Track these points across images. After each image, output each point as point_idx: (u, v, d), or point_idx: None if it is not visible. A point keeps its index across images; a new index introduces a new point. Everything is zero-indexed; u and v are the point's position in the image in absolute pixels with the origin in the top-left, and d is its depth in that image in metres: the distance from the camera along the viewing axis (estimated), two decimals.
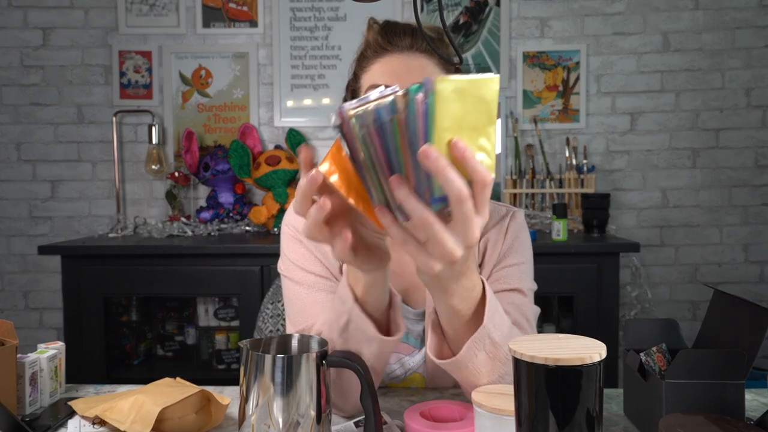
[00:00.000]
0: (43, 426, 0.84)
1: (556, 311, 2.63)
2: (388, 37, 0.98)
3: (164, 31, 2.76)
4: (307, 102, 2.74)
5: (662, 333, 0.89)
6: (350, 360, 0.69)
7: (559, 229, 2.29)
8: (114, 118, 2.72)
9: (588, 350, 0.53)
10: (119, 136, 2.77)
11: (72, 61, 2.77)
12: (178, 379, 0.93)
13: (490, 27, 2.74)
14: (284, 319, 1.34)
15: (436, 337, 0.78)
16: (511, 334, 0.78)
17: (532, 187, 2.69)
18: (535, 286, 1.04)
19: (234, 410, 0.89)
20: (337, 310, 0.78)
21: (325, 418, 0.68)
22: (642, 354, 0.83)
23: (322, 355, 0.69)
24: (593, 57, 2.74)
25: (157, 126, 2.68)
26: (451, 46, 0.99)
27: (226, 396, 0.88)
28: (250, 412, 0.66)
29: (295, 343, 0.75)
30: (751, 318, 0.77)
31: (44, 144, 2.80)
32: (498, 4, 2.73)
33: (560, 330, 2.53)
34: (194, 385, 0.88)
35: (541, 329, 2.55)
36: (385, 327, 0.79)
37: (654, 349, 0.85)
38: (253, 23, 2.74)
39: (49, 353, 0.96)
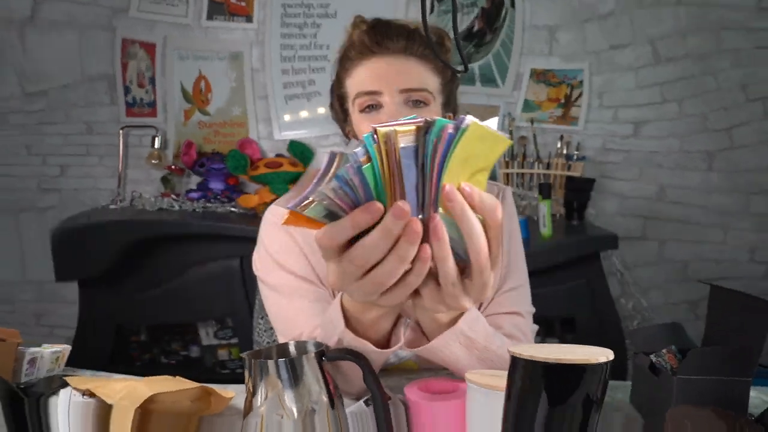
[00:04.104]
0: (36, 393, 0.81)
1: (558, 330, 2.62)
2: (377, 38, 0.91)
3: (172, 20, 2.73)
4: (304, 114, 2.74)
5: (670, 337, 0.89)
6: (347, 353, 0.71)
7: (544, 214, 2.34)
8: (121, 132, 2.76)
9: (594, 354, 0.53)
10: (125, 142, 2.80)
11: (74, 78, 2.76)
12: (177, 377, 0.87)
13: (503, 39, 2.71)
14: None
15: (414, 334, 0.77)
16: (494, 336, 0.77)
17: (522, 167, 2.73)
18: (533, 309, 1.04)
19: (237, 402, 0.85)
20: (327, 332, 0.74)
21: (338, 402, 0.70)
22: (653, 355, 0.83)
23: (321, 354, 0.70)
24: (595, 76, 2.74)
25: (160, 136, 2.74)
26: (456, 52, 0.93)
27: (230, 391, 0.85)
28: (259, 404, 0.66)
29: (292, 349, 0.75)
30: (753, 312, 0.78)
31: (55, 146, 2.84)
32: (513, 5, 2.70)
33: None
34: (194, 383, 0.83)
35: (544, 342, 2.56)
36: (385, 340, 0.76)
37: (664, 350, 0.85)
38: (249, 18, 2.72)
39: (53, 349, 0.94)
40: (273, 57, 2.72)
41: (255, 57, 2.75)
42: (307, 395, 0.67)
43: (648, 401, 0.84)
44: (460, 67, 0.87)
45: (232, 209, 2.60)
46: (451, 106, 1.02)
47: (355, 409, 0.73)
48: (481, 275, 0.54)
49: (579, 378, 0.51)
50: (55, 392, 0.81)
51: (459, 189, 0.53)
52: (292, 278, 0.91)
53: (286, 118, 2.74)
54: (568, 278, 2.27)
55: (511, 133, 2.73)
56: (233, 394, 0.84)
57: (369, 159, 0.50)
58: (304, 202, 0.50)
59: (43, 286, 2.80)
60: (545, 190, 2.40)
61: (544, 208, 2.36)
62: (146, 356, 2.71)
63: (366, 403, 0.74)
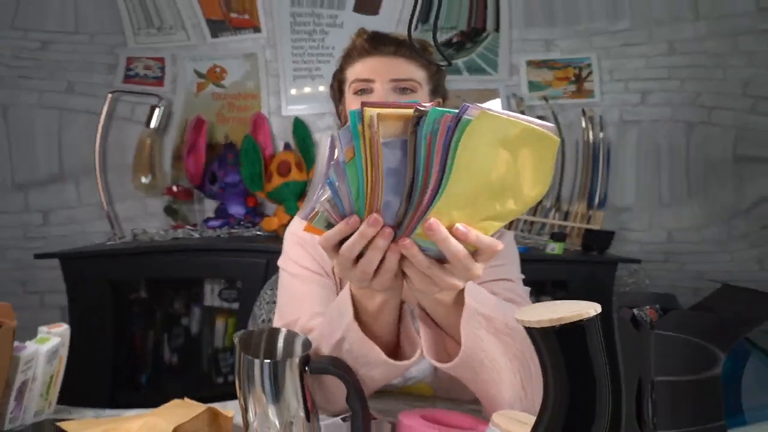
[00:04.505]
0: None
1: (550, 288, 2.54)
2: (374, 43, 1.06)
3: (176, 44, 2.71)
4: (307, 90, 2.82)
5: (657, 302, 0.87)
6: (333, 366, 0.73)
7: (554, 248, 2.25)
8: (110, 96, 2.49)
9: (585, 307, 0.54)
10: (110, 112, 2.53)
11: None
12: (186, 399, 0.91)
13: (487, 45, 2.70)
14: None
15: (430, 330, 0.76)
16: (498, 303, 0.77)
17: (535, 214, 2.48)
18: (522, 276, 1.07)
19: (238, 419, 0.87)
20: (331, 324, 0.77)
21: (314, 417, 0.73)
22: (635, 309, 0.81)
23: (305, 361, 0.73)
24: (604, 61, 2.67)
25: (161, 109, 2.46)
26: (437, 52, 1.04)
27: (230, 409, 0.87)
28: (252, 420, 0.72)
29: (281, 342, 0.79)
30: (756, 303, 0.74)
31: (28, 107, 2.59)
32: (497, 29, 2.70)
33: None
34: (201, 404, 0.87)
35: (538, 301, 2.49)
36: (394, 344, 0.77)
37: (647, 306, 0.83)
38: (257, 29, 2.77)
39: (50, 345, 0.88)
40: (285, 54, 2.81)
41: (268, 54, 2.80)
42: (286, 410, 0.71)
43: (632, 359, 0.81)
44: (443, 63, 1.03)
45: (258, 233, 2.60)
46: (439, 93, 1.13)
47: (330, 423, 0.74)
48: (462, 266, 0.61)
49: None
50: None
51: (452, 230, 0.58)
52: (307, 271, 1.05)
53: (293, 92, 2.82)
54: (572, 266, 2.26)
55: (523, 113, 2.40)
56: (233, 412, 0.86)
57: (353, 151, 0.56)
58: (311, 214, 0.62)
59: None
60: (558, 237, 2.26)
61: (555, 246, 2.24)
62: (150, 334, 2.64)
63: (343, 419, 0.74)
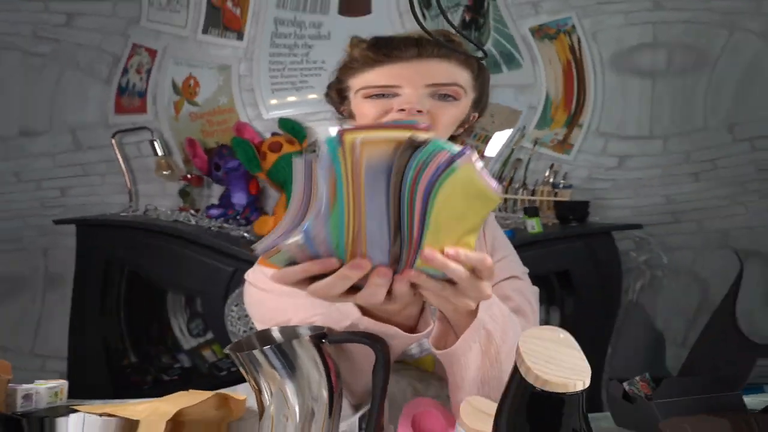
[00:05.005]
0: (37, 416, 0.75)
1: (558, 293, 2.55)
2: (383, 50, 0.88)
3: (173, 30, 2.76)
4: (291, 99, 2.73)
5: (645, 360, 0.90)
6: (357, 334, 0.68)
7: (533, 225, 2.27)
8: (113, 141, 2.70)
9: (574, 375, 0.52)
10: (123, 155, 2.75)
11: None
12: (191, 390, 0.87)
13: (494, 16, 2.70)
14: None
15: (442, 327, 0.76)
16: (509, 324, 0.77)
17: (506, 192, 2.67)
18: (526, 269, 1.06)
19: (252, 403, 0.82)
20: (334, 319, 0.72)
21: (336, 406, 0.68)
22: (625, 383, 0.85)
23: (320, 336, 0.67)
24: (584, 19, 2.71)
25: (158, 140, 2.70)
26: (467, 42, 0.93)
27: (241, 393, 0.85)
28: (268, 402, 0.66)
29: (277, 335, 0.72)
30: (740, 351, 0.78)
31: (45, 170, 2.77)
32: None
33: (564, 316, 2.49)
34: (208, 392, 0.83)
35: (547, 315, 2.54)
36: (412, 326, 0.74)
37: (637, 378, 0.86)
38: (240, 35, 2.75)
39: (49, 385, 0.87)
40: (262, 69, 2.74)
41: (243, 68, 2.78)
42: (307, 387, 0.65)
43: (634, 421, 0.84)
44: (479, 54, 0.87)
45: (245, 234, 2.60)
46: (481, 104, 0.99)
47: (347, 429, 0.74)
48: (470, 285, 0.61)
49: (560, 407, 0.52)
50: (62, 415, 0.75)
51: (442, 253, 0.57)
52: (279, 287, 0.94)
53: (273, 101, 2.75)
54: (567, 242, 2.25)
55: (512, 150, 2.71)
56: (245, 396, 0.84)
57: (335, 185, 0.51)
58: (272, 249, 0.55)
59: None
60: (531, 211, 2.31)
61: (533, 222, 2.26)
62: (148, 378, 2.68)
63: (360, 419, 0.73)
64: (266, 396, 0.65)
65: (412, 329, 0.73)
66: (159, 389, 2.58)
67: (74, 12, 2.75)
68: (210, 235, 2.43)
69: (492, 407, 0.64)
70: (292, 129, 2.67)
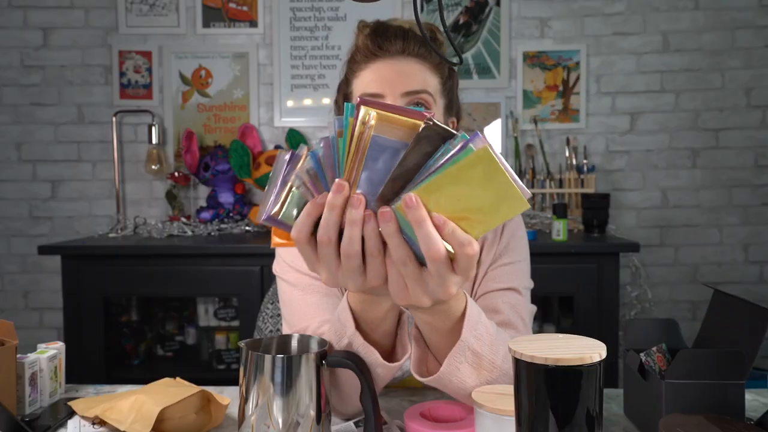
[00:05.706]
0: (42, 426, 0.84)
1: (556, 311, 2.63)
2: (378, 41, 0.96)
3: (164, 31, 2.76)
4: (308, 102, 2.75)
5: (662, 333, 0.90)
6: (350, 360, 0.69)
7: (559, 229, 2.29)
8: (114, 119, 2.73)
9: (588, 350, 0.53)
10: (119, 136, 2.77)
11: (72, 61, 2.77)
12: (177, 379, 0.93)
13: (490, 27, 2.74)
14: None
15: (419, 350, 0.76)
16: (498, 340, 0.75)
17: (533, 186, 2.68)
18: (531, 284, 1.03)
19: (233, 410, 0.89)
20: (337, 332, 0.75)
21: (324, 418, 0.68)
22: (642, 354, 0.83)
23: (322, 355, 0.68)
24: (593, 57, 2.74)
25: (156, 126, 2.69)
26: (449, 45, 0.98)
27: (226, 396, 0.88)
28: (250, 413, 0.67)
29: (294, 343, 0.75)
30: (750, 318, 0.77)
31: (44, 144, 2.80)
32: (498, 3, 2.74)
33: (560, 330, 2.53)
34: (194, 386, 0.88)
35: (541, 330, 2.56)
36: (390, 349, 0.77)
37: (654, 349, 0.85)
38: (253, 23, 2.74)
39: (49, 353, 0.97)
40: (282, 56, 2.74)
41: (262, 55, 2.77)
42: (294, 406, 0.66)
43: (640, 410, 0.84)
44: (455, 59, 0.91)
45: (247, 228, 2.60)
46: (453, 110, 1.05)
47: (342, 428, 0.72)
48: (438, 273, 0.56)
49: (578, 377, 0.52)
50: (62, 424, 0.85)
51: (430, 216, 0.52)
52: (307, 277, 0.97)
53: (289, 103, 2.75)
54: (580, 261, 2.23)
55: (516, 139, 2.72)
56: (229, 400, 0.86)
57: (342, 134, 0.53)
58: (284, 195, 0.55)
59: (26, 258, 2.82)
60: (560, 211, 2.30)
61: (560, 225, 2.28)
62: (142, 346, 2.62)
63: (356, 424, 0.72)
64: (251, 405, 0.67)
65: (390, 352, 0.75)
66: (149, 367, 2.59)
67: (48, 26, 2.77)
68: (213, 241, 2.37)
69: (507, 388, 0.68)
70: (298, 146, 2.66)
